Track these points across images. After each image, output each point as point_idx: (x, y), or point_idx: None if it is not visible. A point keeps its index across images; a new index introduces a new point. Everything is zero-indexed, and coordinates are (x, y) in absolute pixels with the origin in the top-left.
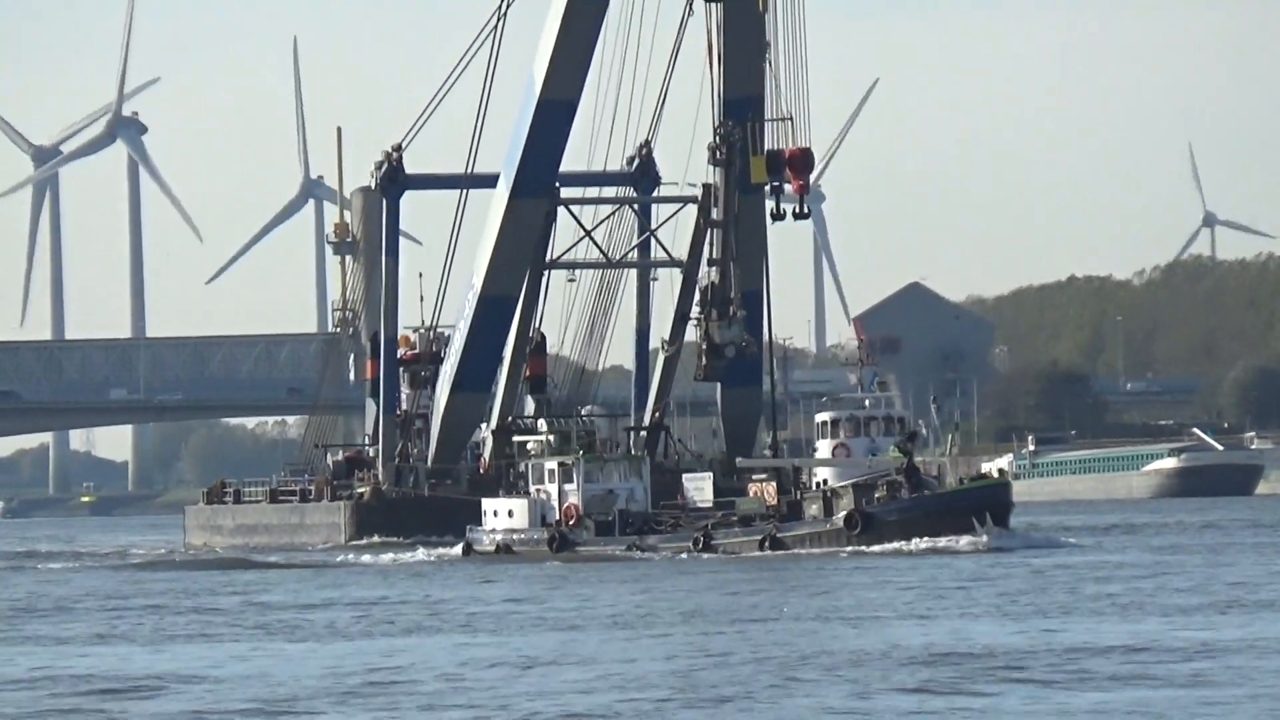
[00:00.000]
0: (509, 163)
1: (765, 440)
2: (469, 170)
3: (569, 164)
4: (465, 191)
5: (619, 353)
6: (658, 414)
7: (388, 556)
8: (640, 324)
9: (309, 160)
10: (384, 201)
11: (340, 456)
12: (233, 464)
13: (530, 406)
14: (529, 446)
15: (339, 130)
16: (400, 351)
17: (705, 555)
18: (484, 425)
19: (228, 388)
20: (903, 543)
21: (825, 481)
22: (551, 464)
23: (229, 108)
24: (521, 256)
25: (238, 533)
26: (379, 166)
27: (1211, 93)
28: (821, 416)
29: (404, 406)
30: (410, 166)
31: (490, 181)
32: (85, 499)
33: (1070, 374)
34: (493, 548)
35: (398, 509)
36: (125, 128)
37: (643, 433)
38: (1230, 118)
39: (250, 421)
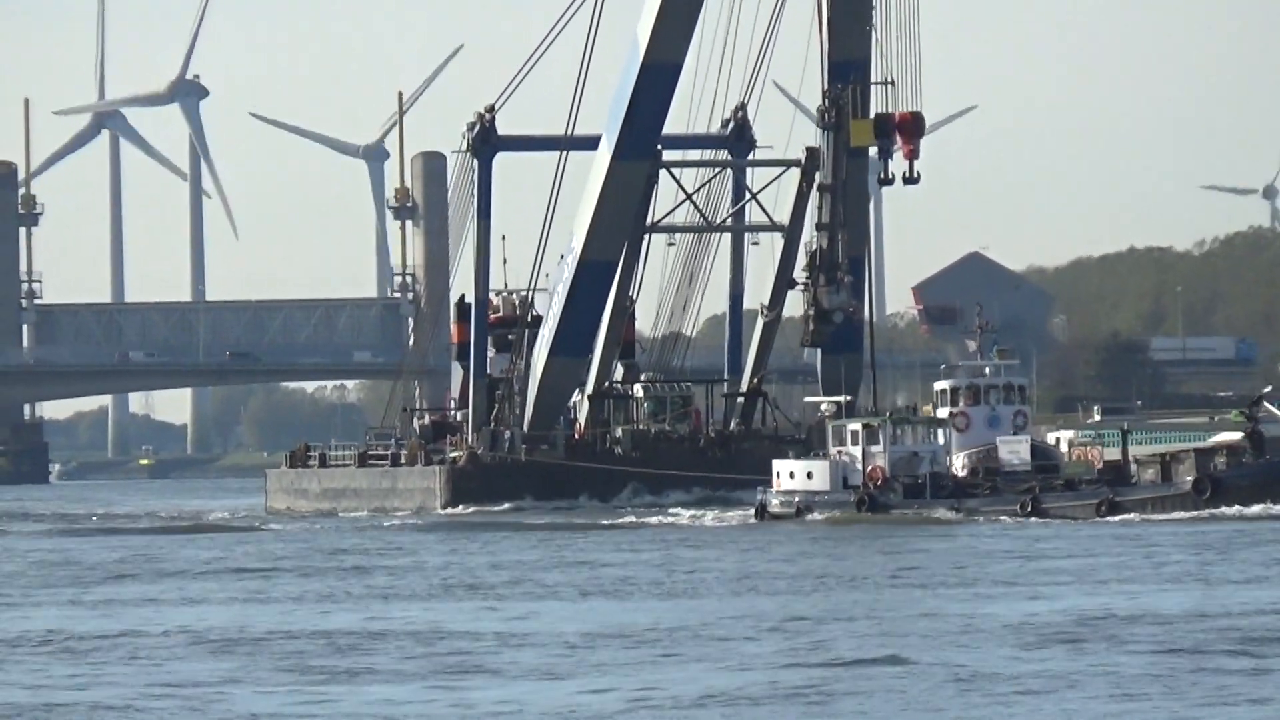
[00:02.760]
0: (611, 125)
1: (867, 406)
2: (569, 131)
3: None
4: (565, 153)
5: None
6: (757, 380)
7: (709, 516)
8: (734, 288)
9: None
10: (475, 163)
11: (426, 420)
12: (292, 428)
13: (619, 372)
14: (849, 426)
15: (400, 95)
16: None
17: (1034, 519)
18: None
19: (287, 351)
20: (1244, 508)
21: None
22: (855, 425)
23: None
24: (622, 220)
25: (324, 497)
26: (470, 128)
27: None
28: (940, 385)
29: (488, 371)
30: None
31: (584, 144)
32: (144, 462)
33: (1131, 344)
34: (792, 510)
35: (494, 474)
36: (185, 94)
37: (740, 399)
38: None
39: (310, 386)
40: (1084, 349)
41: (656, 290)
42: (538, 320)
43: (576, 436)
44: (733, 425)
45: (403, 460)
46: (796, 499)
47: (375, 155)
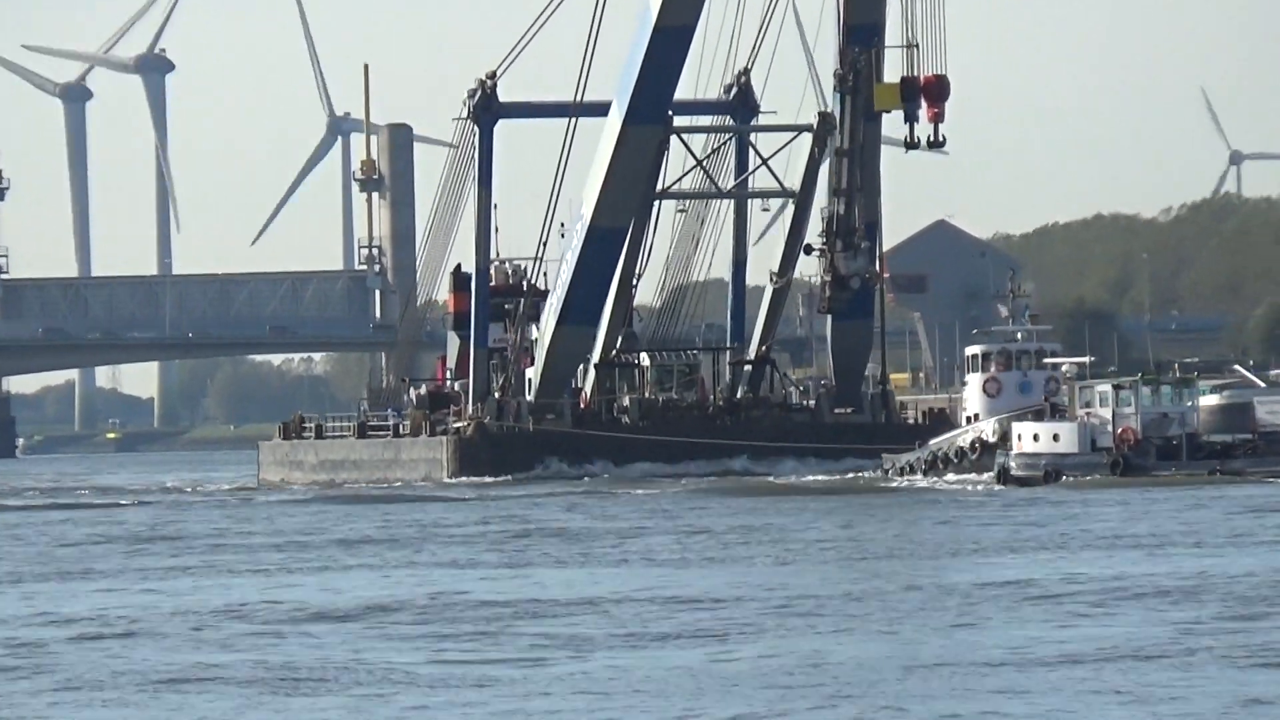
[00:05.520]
0: (622, 90)
1: (876, 375)
2: (578, 98)
3: None
4: (574, 120)
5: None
6: (765, 348)
7: (923, 482)
8: (738, 255)
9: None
10: (477, 130)
11: (423, 391)
12: (259, 401)
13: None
14: (1098, 388)
15: (365, 67)
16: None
17: None
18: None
19: (254, 325)
20: None
21: (976, 416)
22: (1104, 386)
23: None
24: (633, 186)
25: (321, 469)
26: (471, 94)
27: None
28: (972, 350)
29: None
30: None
31: (588, 110)
32: (111, 435)
33: (1097, 311)
34: (1039, 473)
35: (501, 444)
36: (149, 68)
37: (747, 366)
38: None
39: (276, 358)
40: (1050, 316)
41: (661, 259)
42: (534, 290)
43: (582, 406)
44: (740, 393)
45: (405, 431)
46: (1043, 461)
47: (342, 128)
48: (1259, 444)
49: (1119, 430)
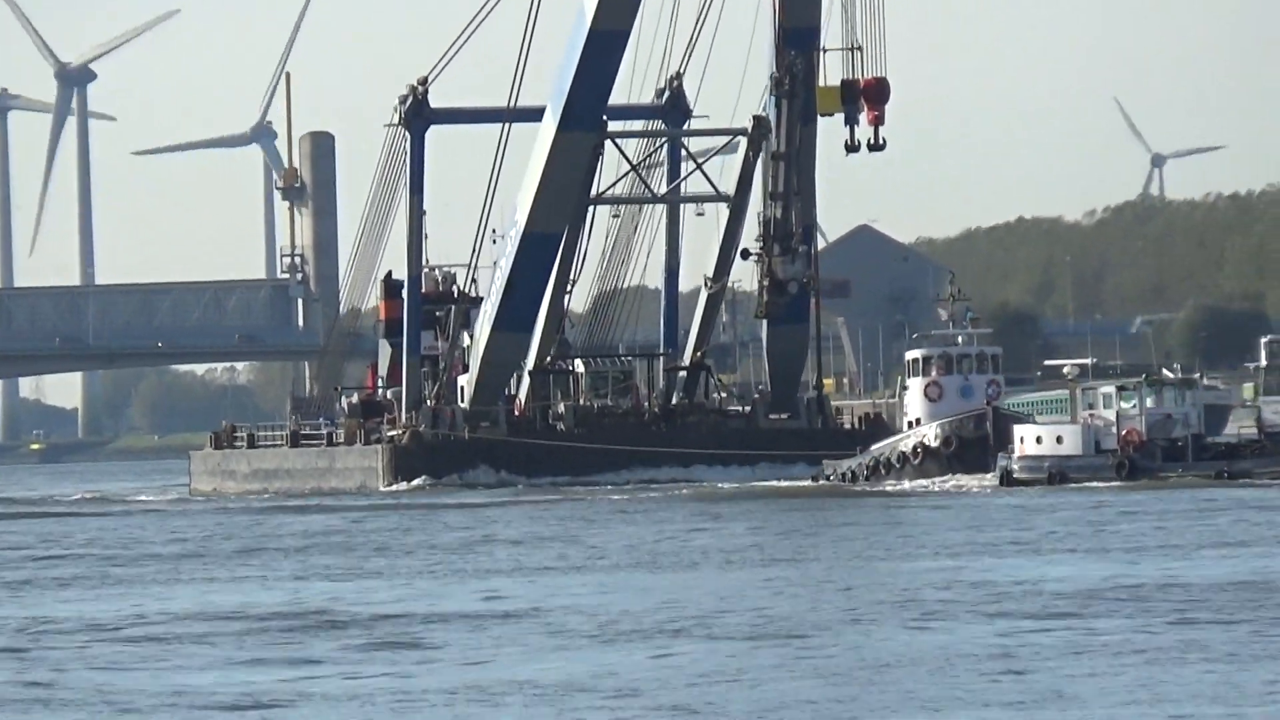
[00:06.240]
0: (556, 95)
1: (811, 381)
2: (512, 103)
3: None
4: (508, 125)
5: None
6: (700, 354)
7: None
8: (670, 261)
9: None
10: (408, 136)
11: (355, 399)
12: (182, 411)
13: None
14: (1101, 389)
15: (287, 75)
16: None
17: None
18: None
19: (177, 334)
20: None
21: (918, 421)
22: (1108, 388)
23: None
24: (567, 192)
25: (254, 478)
26: (403, 100)
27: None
28: (912, 354)
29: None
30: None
31: (521, 115)
32: (35, 446)
33: (1020, 314)
34: (1042, 475)
35: (437, 452)
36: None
37: (682, 373)
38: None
39: (200, 368)
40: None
41: (593, 265)
42: (466, 297)
43: (517, 413)
44: (675, 399)
45: (339, 440)
46: (1046, 464)
47: (263, 135)
48: (1265, 444)
49: (1123, 432)
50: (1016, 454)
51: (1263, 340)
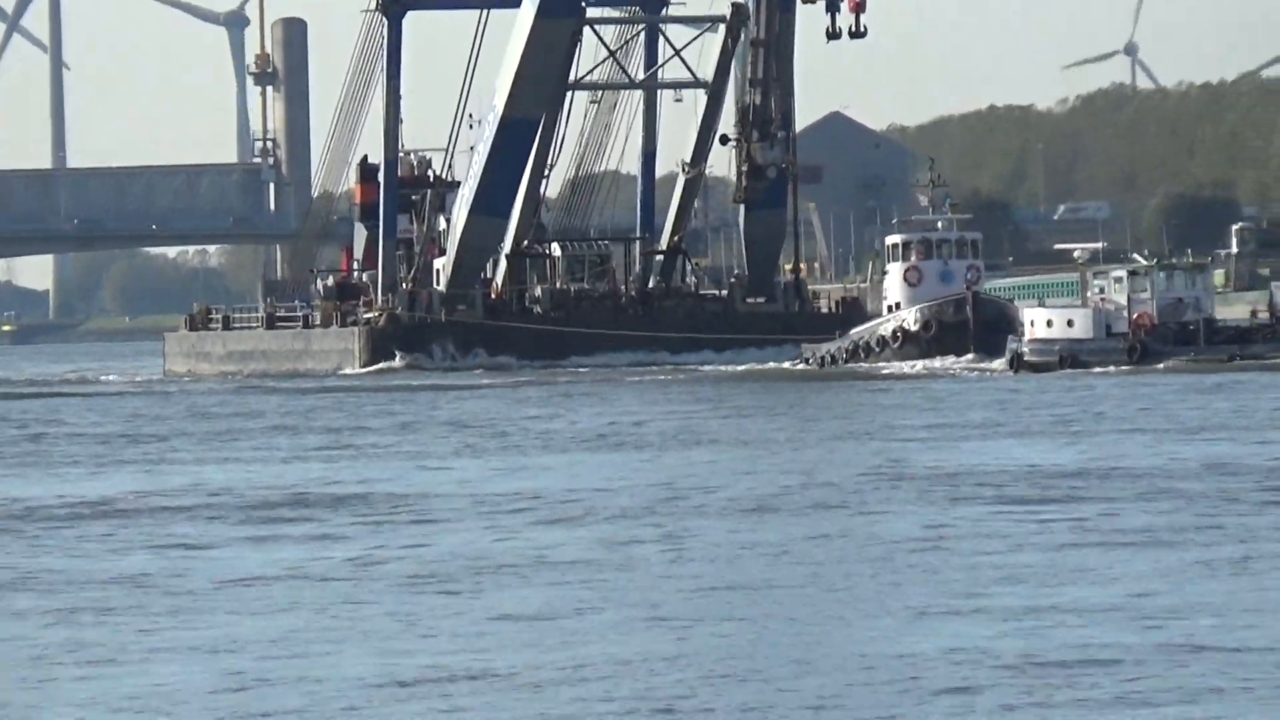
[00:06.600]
0: None
1: (786, 266)
2: None
3: None
4: (486, 11)
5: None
6: (677, 238)
7: (958, 368)
8: (647, 146)
9: None
10: (385, 22)
11: (330, 282)
12: (153, 293)
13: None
14: (1112, 273)
15: None
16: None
17: None
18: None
19: (149, 218)
20: None
21: (898, 305)
22: (1119, 272)
23: None
24: (545, 79)
25: (229, 360)
26: None
27: None
28: (892, 239)
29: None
30: None
31: (496, 1)
32: (6, 328)
33: (992, 201)
34: (1053, 359)
35: (413, 334)
36: None
37: (659, 257)
38: None
39: (171, 251)
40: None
41: (570, 151)
42: (441, 182)
43: (493, 296)
44: (651, 283)
45: (315, 322)
46: (1057, 347)
47: (236, 22)
48: (1277, 328)
49: (1134, 316)
50: (1027, 337)
51: (1234, 228)
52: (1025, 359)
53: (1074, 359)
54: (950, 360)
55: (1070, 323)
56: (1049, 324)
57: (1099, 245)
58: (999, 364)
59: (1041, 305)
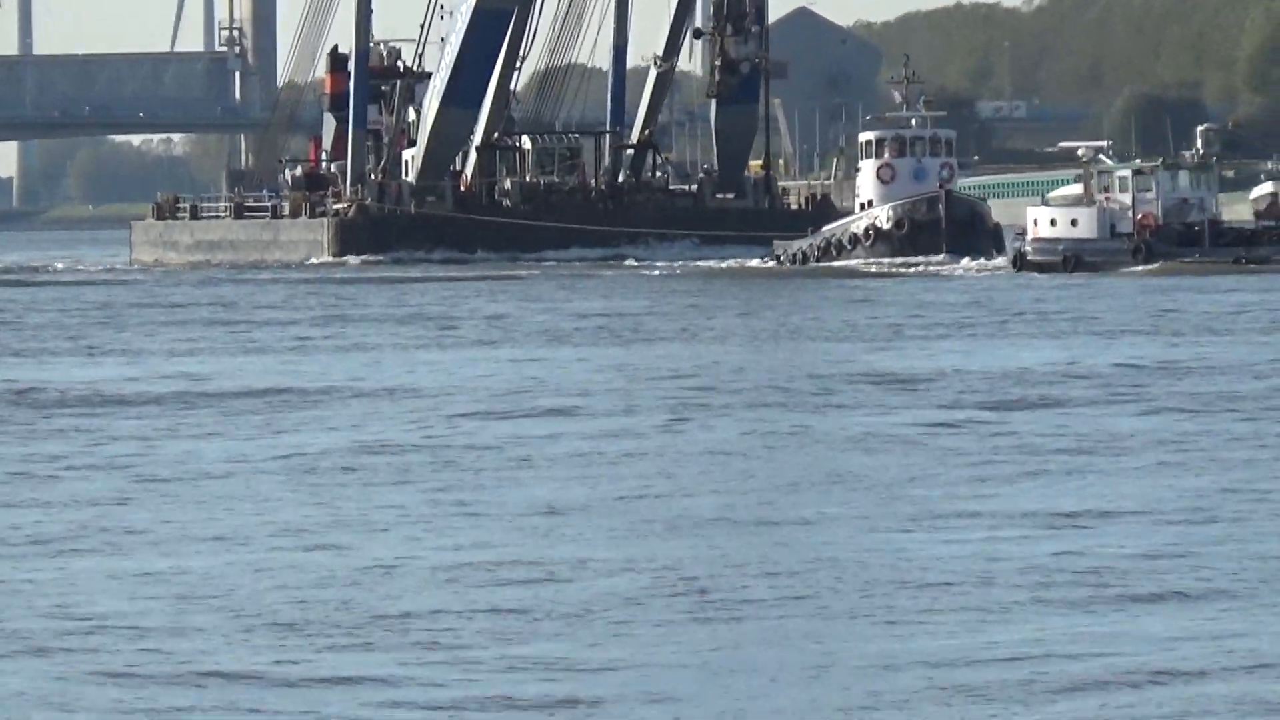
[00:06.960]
0: None
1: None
2: None
3: None
4: None
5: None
6: (648, 132)
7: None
8: (618, 39)
9: None
10: None
11: (299, 172)
12: (119, 181)
13: None
14: (1117, 172)
15: None
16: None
17: None
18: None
19: (115, 106)
20: None
21: (870, 203)
22: (1124, 171)
23: None
24: None
25: (196, 249)
26: None
27: None
28: (865, 135)
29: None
30: None
31: None
32: None
33: (958, 99)
34: (1056, 258)
35: (383, 226)
36: None
37: (629, 151)
38: None
39: (135, 139)
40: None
41: (540, 45)
42: (412, 72)
43: (463, 189)
44: (621, 177)
45: (284, 213)
46: (1060, 247)
47: None
48: None
49: (1139, 216)
50: (1030, 236)
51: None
52: (1029, 258)
53: (1078, 259)
54: (953, 260)
55: (1074, 222)
56: (1053, 223)
57: (1104, 143)
58: (1002, 262)
59: (1044, 204)
